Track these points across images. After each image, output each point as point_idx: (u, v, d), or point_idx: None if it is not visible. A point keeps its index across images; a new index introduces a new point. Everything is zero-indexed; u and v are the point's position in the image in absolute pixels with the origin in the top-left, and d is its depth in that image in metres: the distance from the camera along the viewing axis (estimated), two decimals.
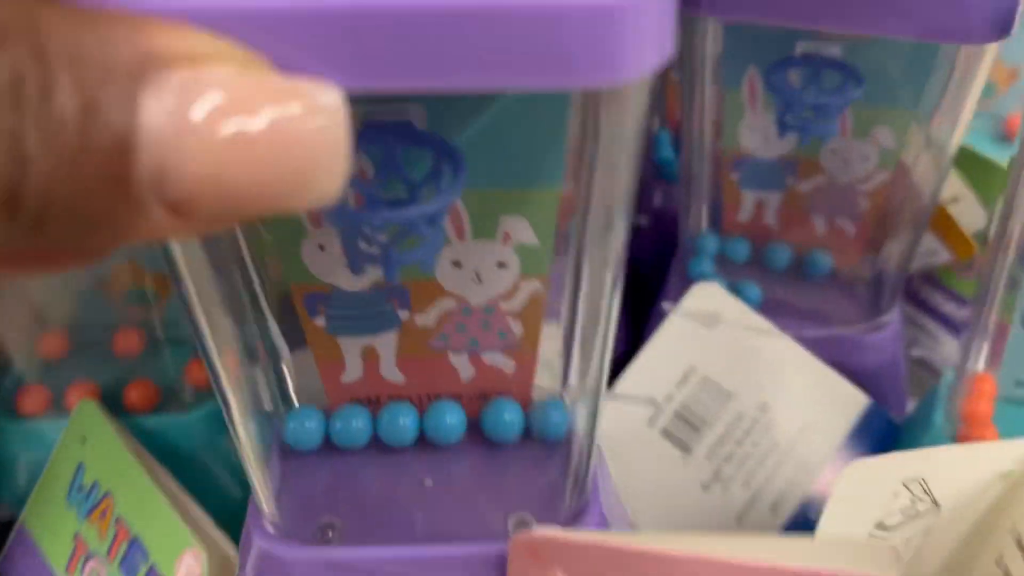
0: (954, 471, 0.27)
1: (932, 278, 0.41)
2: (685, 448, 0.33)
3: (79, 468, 0.31)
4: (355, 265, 0.24)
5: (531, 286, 0.25)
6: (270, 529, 0.24)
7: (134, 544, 0.29)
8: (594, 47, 0.14)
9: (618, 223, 0.20)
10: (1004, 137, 0.44)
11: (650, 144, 0.44)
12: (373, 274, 0.24)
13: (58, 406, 0.33)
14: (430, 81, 0.14)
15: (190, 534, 0.27)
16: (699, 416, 0.34)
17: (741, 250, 0.37)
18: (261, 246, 0.23)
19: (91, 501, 0.30)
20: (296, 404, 0.26)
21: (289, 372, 0.26)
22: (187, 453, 0.31)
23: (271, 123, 0.13)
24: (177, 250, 0.20)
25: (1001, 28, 0.27)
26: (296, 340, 0.25)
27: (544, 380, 0.26)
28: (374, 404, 0.27)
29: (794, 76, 0.32)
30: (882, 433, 0.32)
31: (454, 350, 0.26)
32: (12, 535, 0.31)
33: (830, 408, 0.32)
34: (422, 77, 0.14)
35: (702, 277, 0.36)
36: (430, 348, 0.26)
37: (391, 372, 0.26)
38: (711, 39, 0.33)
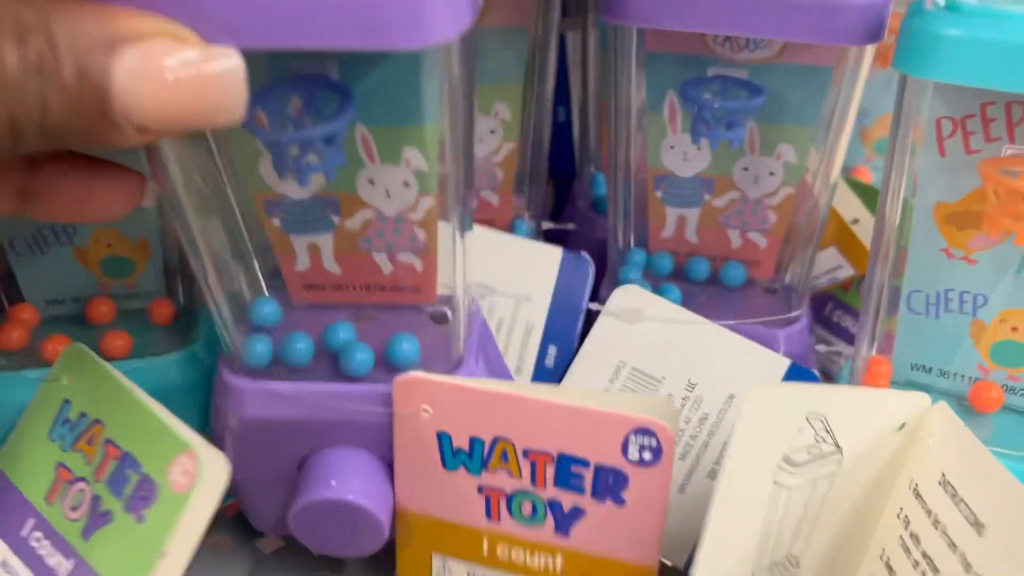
0: (853, 413, 0.30)
1: (837, 300, 0.45)
2: None
3: (64, 404, 0.32)
4: (281, 172, 0.31)
5: (427, 202, 0.33)
6: (233, 369, 0.32)
7: (125, 460, 0.30)
8: (403, 19, 0.23)
9: (458, 151, 0.30)
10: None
11: (588, 184, 0.48)
12: (311, 186, 0.32)
13: (34, 358, 0.35)
14: (295, 42, 0.23)
15: (182, 439, 0.29)
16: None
17: (665, 263, 0.41)
18: (233, 166, 0.30)
19: (77, 431, 0.32)
20: (265, 292, 0.34)
21: (259, 265, 0.34)
22: (162, 396, 0.33)
23: (194, 74, 0.22)
24: (177, 177, 0.28)
25: (874, 33, 0.32)
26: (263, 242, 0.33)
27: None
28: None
29: (706, 92, 0.36)
30: None
31: (376, 250, 0.33)
32: None
33: (754, 375, 0.35)
34: (288, 39, 0.23)
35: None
36: (358, 248, 0.33)
37: (331, 265, 0.34)
38: (635, 63, 0.38)
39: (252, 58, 0.23)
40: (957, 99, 0.32)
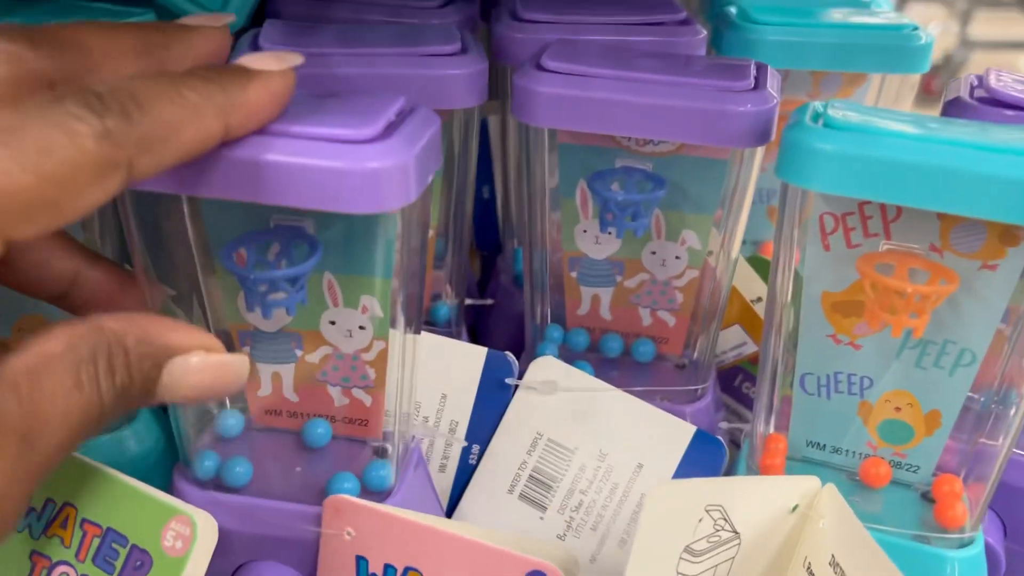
0: (749, 501, 0.32)
1: (747, 372, 0.48)
2: (540, 507, 0.38)
3: None
4: (250, 305, 0.34)
5: (380, 344, 0.35)
6: (184, 475, 0.35)
7: (108, 535, 0.31)
8: (362, 192, 0.28)
9: (414, 311, 0.34)
10: None
11: (510, 259, 0.50)
12: (278, 322, 0.35)
13: None
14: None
15: (170, 505, 0.31)
16: (549, 475, 0.38)
17: (581, 340, 0.43)
18: (211, 300, 0.34)
19: (46, 517, 0.32)
20: (227, 406, 0.37)
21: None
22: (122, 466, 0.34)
23: (215, 373, 0.28)
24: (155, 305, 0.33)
25: (761, 136, 0.34)
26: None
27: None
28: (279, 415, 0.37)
29: (614, 183, 0.39)
30: (712, 457, 0.37)
31: (331, 384, 0.36)
32: None
33: (660, 443, 0.37)
34: (272, 196, 0.28)
35: None
36: (316, 380, 0.36)
37: (290, 393, 0.36)
38: (534, 156, 0.40)
39: (240, 207, 0.29)
40: (838, 198, 0.34)
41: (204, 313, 0.35)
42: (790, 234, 0.34)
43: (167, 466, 0.37)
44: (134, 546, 0.31)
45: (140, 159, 0.23)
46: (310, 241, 0.33)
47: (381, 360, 0.35)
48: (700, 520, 0.31)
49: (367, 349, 0.35)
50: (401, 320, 0.34)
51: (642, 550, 0.29)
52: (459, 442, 0.39)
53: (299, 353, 0.36)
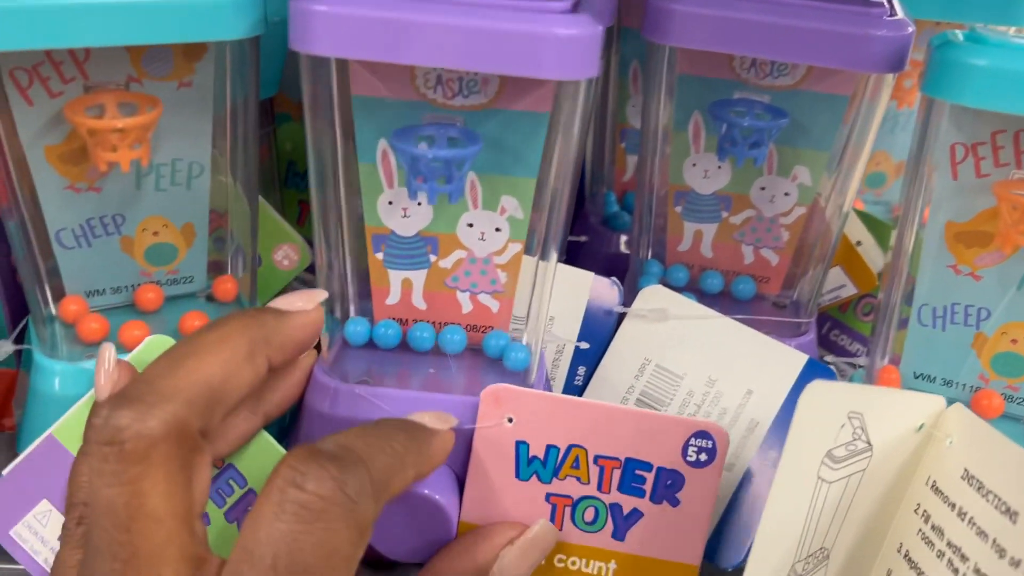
0: (883, 412, 0.32)
1: (835, 320, 0.48)
2: None
3: None
4: (413, 192, 0.34)
5: (515, 248, 0.36)
6: (326, 371, 0.35)
7: (227, 470, 0.32)
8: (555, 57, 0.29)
9: (560, 205, 0.34)
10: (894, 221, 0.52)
11: (600, 203, 0.51)
12: (417, 224, 0.35)
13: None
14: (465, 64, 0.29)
15: None
16: (656, 399, 0.38)
17: (680, 276, 0.43)
18: (354, 198, 0.35)
19: None
20: (352, 314, 0.37)
21: (351, 291, 0.37)
22: None
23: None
24: (317, 218, 0.35)
25: (896, 63, 0.35)
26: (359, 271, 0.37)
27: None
28: (405, 323, 0.37)
29: (734, 112, 0.39)
30: None
31: (460, 290, 0.36)
32: (38, 442, 0.32)
33: (771, 370, 0.37)
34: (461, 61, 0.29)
35: None
36: (445, 286, 0.36)
37: (419, 300, 0.36)
38: (652, 87, 0.40)
39: (396, 106, 0.32)
40: (970, 127, 0.34)
41: (340, 218, 0.35)
42: (927, 161, 0.35)
43: None
44: (251, 489, 0.32)
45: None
46: (466, 135, 0.33)
47: (514, 264, 0.35)
48: (842, 426, 0.31)
49: (500, 252, 0.35)
50: (544, 223, 0.34)
51: (794, 447, 0.29)
52: (571, 343, 0.40)
53: (433, 258, 0.36)
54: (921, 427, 0.33)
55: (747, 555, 0.35)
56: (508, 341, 0.36)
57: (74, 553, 0.29)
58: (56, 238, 0.35)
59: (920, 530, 0.33)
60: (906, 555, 0.33)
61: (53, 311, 0.36)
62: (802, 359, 0.37)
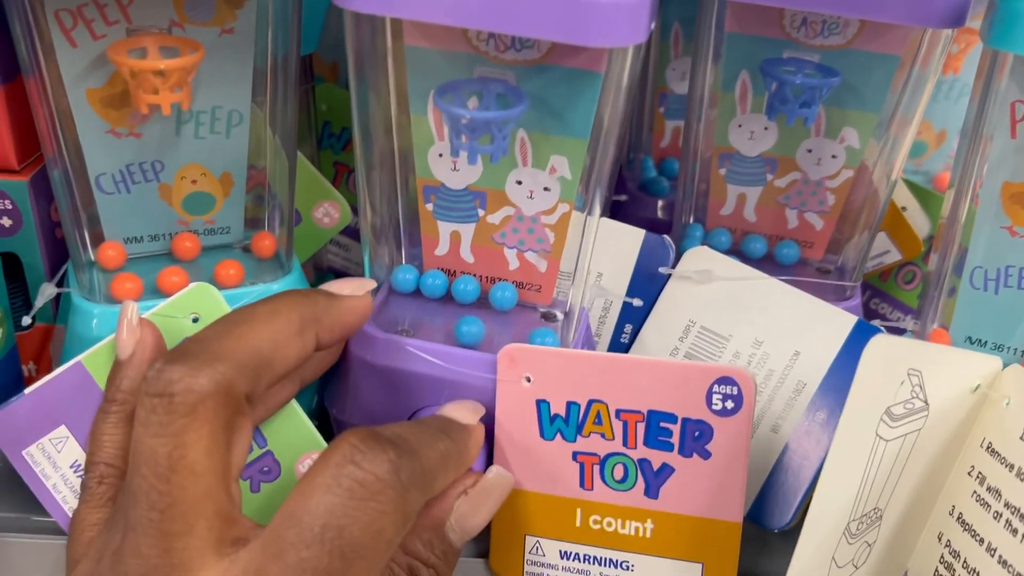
0: (941, 371, 0.31)
1: (876, 289, 0.47)
2: None
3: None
4: (455, 150, 0.33)
5: (563, 208, 0.35)
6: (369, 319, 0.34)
7: (254, 432, 0.32)
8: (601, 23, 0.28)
9: (606, 166, 0.34)
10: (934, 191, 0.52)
11: (638, 169, 0.50)
12: (466, 178, 0.35)
13: (151, 293, 0.35)
14: (511, 28, 0.29)
15: (318, 440, 0.32)
16: (701, 361, 0.38)
17: (722, 240, 0.43)
18: (407, 150, 0.35)
19: None
20: (403, 262, 0.38)
21: (403, 240, 0.37)
22: None
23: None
24: (362, 170, 0.35)
25: (955, 18, 0.34)
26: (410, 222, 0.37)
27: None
28: (452, 275, 0.37)
29: (785, 70, 0.38)
30: None
31: (508, 246, 0.36)
32: (65, 367, 0.32)
33: (819, 332, 0.37)
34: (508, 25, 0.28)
35: None
36: (493, 241, 0.36)
37: (467, 253, 0.36)
38: (701, 45, 0.39)
39: (444, 56, 0.31)
40: None
41: (395, 168, 0.35)
42: (988, 119, 0.34)
43: None
44: (270, 452, 0.32)
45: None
46: (514, 93, 0.33)
47: (562, 224, 0.35)
48: (902, 383, 0.30)
49: (549, 212, 0.35)
50: (591, 184, 0.34)
51: (855, 402, 0.29)
52: (619, 298, 0.39)
53: (481, 213, 0.35)
54: (977, 388, 0.33)
55: (794, 517, 0.35)
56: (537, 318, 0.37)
57: (94, 512, 0.29)
58: (96, 183, 0.35)
59: (975, 492, 0.32)
60: (959, 518, 0.32)
61: (92, 257, 0.36)
62: (851, 320, 0.37)
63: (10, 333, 0.37)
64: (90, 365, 0.32)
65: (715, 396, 0.31)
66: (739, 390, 0.31)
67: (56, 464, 0.32)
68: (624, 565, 0.33)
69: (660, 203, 0.49)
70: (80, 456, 0.32)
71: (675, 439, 0.32)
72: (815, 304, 0.37)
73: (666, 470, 0.32)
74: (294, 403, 0.33)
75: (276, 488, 0.32)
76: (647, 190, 0.50)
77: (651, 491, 0.33)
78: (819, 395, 0.36)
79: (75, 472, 0.31)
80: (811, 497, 0.30)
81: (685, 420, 0.32)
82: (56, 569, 0.34)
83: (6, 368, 0.36)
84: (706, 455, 0.32)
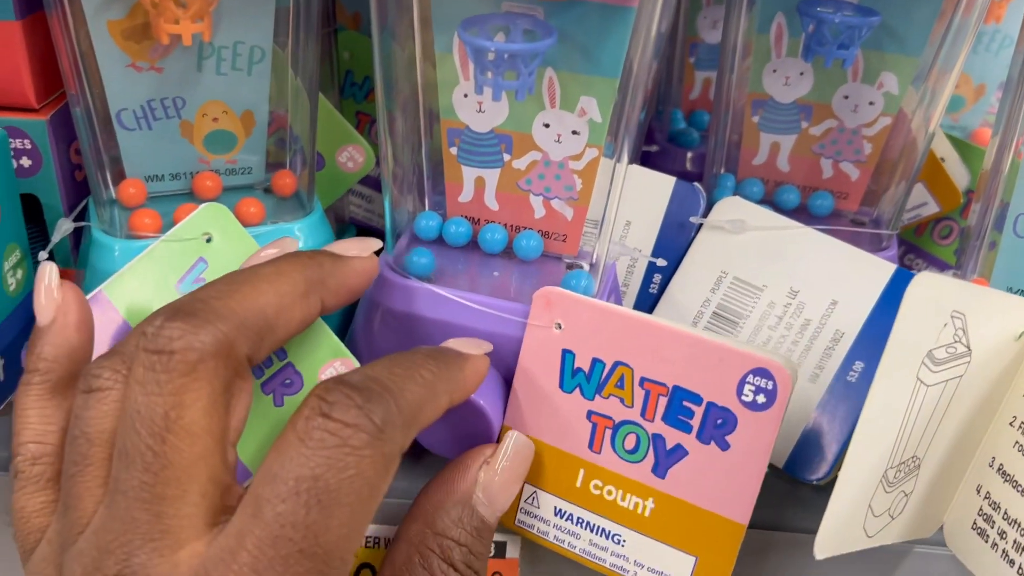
0: (984, 315, 0.30)
1: (910, 244, 0.46)
2: None
3: (199, 262, 0.32)
4: (480, 87, 0.32)
5: (592, 153, 0.34)
6: (391, 266, 0.34)
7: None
8: None
9: (636, 110, 0.32)
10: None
11: (667, 121, 0.49)
12: (491, 120, 0.34)
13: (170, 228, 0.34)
14: None
15: (340, 347, 0.32)
16: (734, 311, 0.37)
17: (755, 191, 0.41)
18: (432, 91, 0.34)
19: None
20: (425, 208, 0.37)
21: (427, 185, 0.36)
22: None
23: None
24: (383, 114, 0.34)
25: None
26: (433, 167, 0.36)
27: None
28: (476, 223, 0.36)
29: (820, 10, 0.37)
30: None
31: (534, 193, 0.34)
32: (87, 297, 0.31)
33: (857, 280, 0.36)
34: None
35: None
36: (519, 187, 0.35)
37: (491, 200, 0.35)
38: None
39: None
40: None
41: (418, 112, 0.34)
42: None
43: None
44: (291, 364, 0.31)
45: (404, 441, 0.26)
46: (543, 28, 0.31)
47: (590, 170, 0.34)
48: (944, 325, 0.29)
49: (577, 157, 0.34)
50: (621, 129, 0.33)
51: (896, 342, 0.28)
52: (645, 258, 0.38)
53: (506, 158, 0.34)
54: (1021, 336, 0.32)
55: (831, 469, 0.34)
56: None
57: (36, 496, 0.27)
58: (117, 119, 0.34)
59: (1017, 443, 0.31)
60: (999, 468, 0.31)
61: (113, 195, 0.35)
62: (890, 268, 0.36)
63: (29, 275, 0.36)
64: (111, 294, 0.32)
65: (747, 387, 0.29)
66: (774, 385, 0.29)
67: None
68: (616, 538, 0.32)
69: (689, 155, 0.48)
70: None
71: (695, 422, 0.30)
72: (852, 253, 0.36)
73: (679, 451, 0.31)
74: None
75: (300, 399, 0.31)
76: (676, 142, 0.48)
77: (659, 469, 0.31)
78: (857, 344, 0.35)
79: None
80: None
81: (710, 404, 0.30)
82: None
83: (27, 309, 0.36)
84: (724, 446, 0.30)
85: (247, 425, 0.31)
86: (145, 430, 0.24)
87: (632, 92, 0.32)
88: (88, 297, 0.31)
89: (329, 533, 0.23)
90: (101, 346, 0.31)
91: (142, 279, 0.32)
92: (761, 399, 0.29)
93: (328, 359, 0.32)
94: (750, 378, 0.29)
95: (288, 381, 0.31)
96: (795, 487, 0.36)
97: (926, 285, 0.28)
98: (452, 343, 0.31)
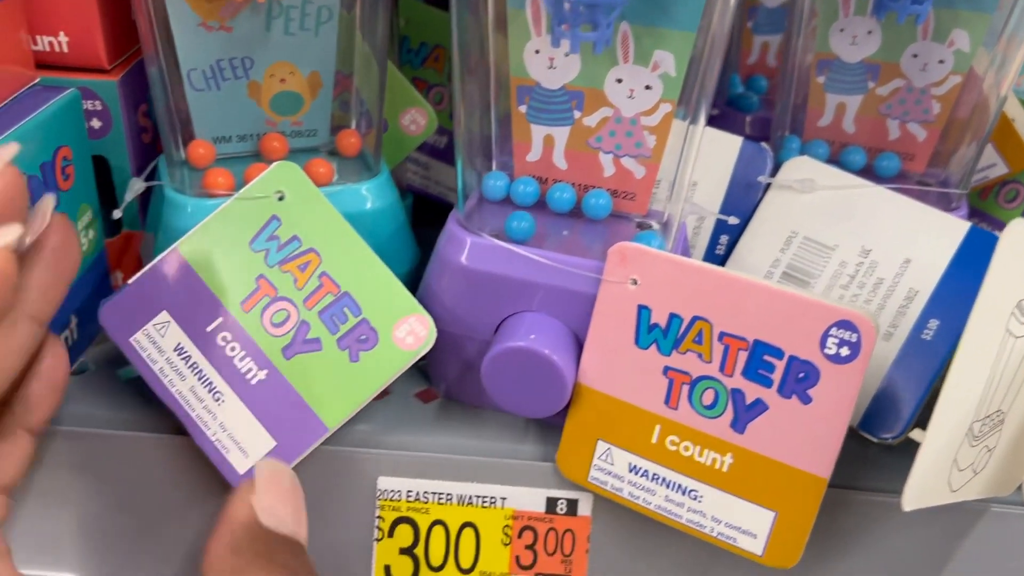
0: None
1: (979, 211, 0.45)
2: None
3: (272, 220, 0.32)
4: (555, 41, 0.32)
5: (665, 108, 0.33)
6: (462, 224, 0.34)
7: (343, 298, 0.32)
8: None
9: (714, 64, 0.32)
10: None
11: (725, 85, 0.48)
12: (563, 76, 0.33)
13: (240, 187, 0.34)
14: None
15: (413, 302, 0.32)
16: (804, 271, 0.37)
17: (820, 152, 0.41)
18: (502, 48, 0.33)
19: (287, 252, 0.32)
20: (493, 168, 0.36)
21: (494, 146, 0.36)
22: (353, 220, 0.33)
23: None
24: (457, 72, 0.34)
25: None
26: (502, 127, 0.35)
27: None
28: (544, 182, 0.35)
29: None
30: (989, 251, 0.35)
31: (604, 151, 0.34)
32: (163, 255, 0.32)
33: (930, 239, 0.35)
34: None
35: None
36: (588, 145, 0.34)
37: (559, 159, 0.35)
38: None
39: None
40: None
41: (488, 70, 0.34)
42: None
43: (394, 226, 0.37)
44: (366, 320, 0.32)
45: None
46: None
47: (663, 126, 0.33)
48: None
49: (650, 112, 0.33)
50: (697, 87, 0.32)
51: (989, 291, 0.28)
52: (717, 216, 0.38)
53: (577, 115, 0.34)
54: None
55: (906, 427, 0.34)
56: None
57: None
58: (187, 79, 0.34)
59: None
60: None
61: (183, 155, 0.35)
62: (964, 226, 0.35)
63: (100, 235, 0.36)
64: (186, 252, 0.32)
65: (830, 339, 0.29)
66: (859, 337, 0.29)
67: (161, 348, 0.32)
68: (693, 494, 0.32)
69: (748, 119, 0.47)
70: (182, 339, 0.32)
71: (776, 376, 0.30)
72: (925, 211, 0.36)
73: (759, 406, 0.30)
74: (387, 268, 0.32)
75: (375, 356, 0.31)
76: (735, 106, 0.48)
77: (738, 424, 0.31)
78: (932, 302, 0.35)
79: (178, 355, 0.32)
80: (923, 408, 0.29)
81: (792, 358, 0.30)
82: (175, 464, 0.34)
83: (97, 269, 0.36)
84: (806, 400, 0.30)
85: (324, 380, 0.31)
86: None
87: (710, 47, 0.32)
88: (164, 254, 0.32)
89: None
90: (178, 299, 0.31)
91: (215, 237, 0.32)
92: (845, 352, 0.29)
93: (403, 315, 0.32)
94: (833, 331, 0.29)
95: (363, 337, 0.32)
96: (863, 446, 0.35)
97: (1019, 234, 0.27)
98: None
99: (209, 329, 0.32)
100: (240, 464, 0.31)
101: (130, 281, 0.32)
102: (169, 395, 0.32)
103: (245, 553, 0.27)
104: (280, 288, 0.32)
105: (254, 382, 0.31)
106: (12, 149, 0.25)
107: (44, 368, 0.28)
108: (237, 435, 0.31)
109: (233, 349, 0.32)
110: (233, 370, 0.32)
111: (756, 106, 0.48)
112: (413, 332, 0.32)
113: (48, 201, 0.27)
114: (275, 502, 0.29)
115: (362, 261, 0.32)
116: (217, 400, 0.32)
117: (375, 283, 0.32)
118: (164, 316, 0.32)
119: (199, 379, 0.32)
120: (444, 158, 0.48)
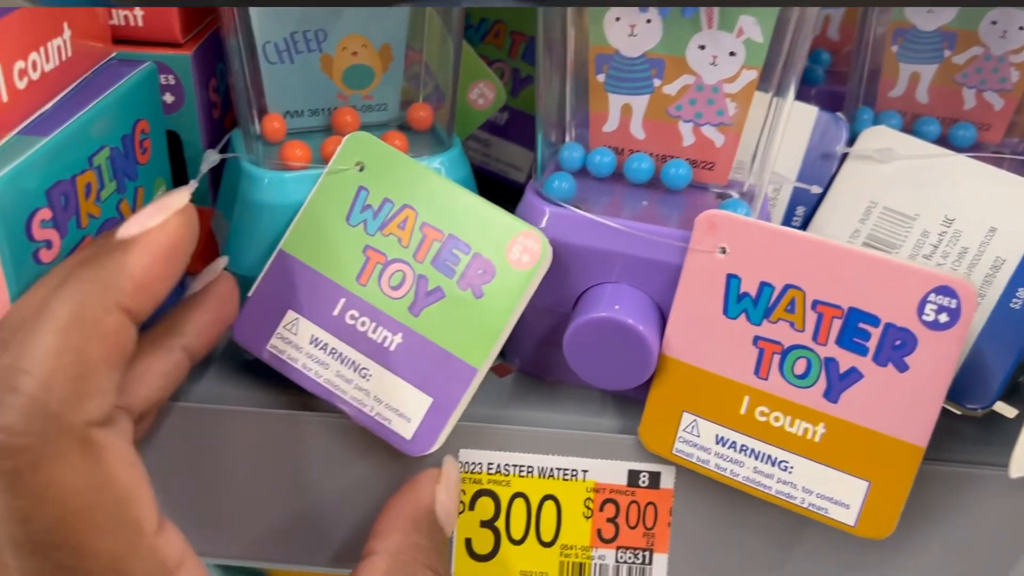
0: None
1: None
2: None
3: (360, 191, 0.32)
4: (643, 8, 0.32)
5: (749, 75, 0.33)
6: (539, 194, 0.34)
7: (450, 241, 0.32)
8: None
9: (804, 32, 0.31)
10: None
11: None
12: (643, 44, 0.33)
13: (317, 162, 0.35)
14: None
15: (516, 222, 0.32)
16: (885, 242, 0.36)
17: (894, 123, 0.40)
18: (581, 16, 0.33)
19: (383, 217, 0.32)
20: (568, 140, 0.36)
21: (570, 117, 0.35)
22: None
23: None
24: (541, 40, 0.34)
25: None
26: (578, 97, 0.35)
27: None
28: (620, 153, 0.35)
29: None
30: None
31: (684, 119, 0.34)
32: (271, 261, 0.33)
33: (1016, 207, 0.35)
34: None
35: None
36: (667, 114, 0.34)
37: (637, 129, 0.34)
38: None
39: None
40: None
41: (564, 36, 0.33)
42: None
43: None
44: (477, 254, 0.31)
45: None
46: None
47: (746, 94, 0.33)
48: None
49: (732, 79, 0.33)
50: (782, 49, 0.32)
51: None
52: (791, 183, 0.37)
53: (656, 83, 0.33)
54: None
55: (996, 397, 0.33)
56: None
57: None
58: (262, 51, 0.34)
59: None
60: None
61: (258, 129, 0.35)
62: None
63: None
64: (290, 248, 0.33)
65: (929, 305, 0.29)
66: (958, 303, 0.28)
67: (297, 346, 0.32)
68: (783, 465, 0.31)
69: (813, 92, 0.47)
70: (314, 331, 0.32)
71: (872, 344, 0.29)
72: (1010, 179, 0.35)
73: (853, 375, 0.30)
74: (479, 197, 0.32)
75: (498, 284, 0.31)
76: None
77: (831, 394, 0.30)
78: (1020, 272, 0.34)
79: (315, 346, 0.32)
80: (1012, 378, 0.28)
81: (888, 326, 0.29)
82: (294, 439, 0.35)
83: None
84: (903, 367, 0.29)
85: (457, 324, 0.31)
86: None
87: (800, 13, 0.31)
88: (271, 260, 0.33)
89: None
90: (298, 294, 0.32)
91: (313, 226, 0.33)
92: (944, 318, 0.28)
93: (511, 237, 0.31)
94: (932, 297, 0.28)
95: (481, 271, 0.31)
96: (947, 419, 0.35)
97: None
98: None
99: (335, 313, 0.32)
100: (405, 430, 0.32)
101: (249, 294, 0.33)
102: (319, 387, 0.32)
103: (422, 531, 0.31)
104: (388, 252, 0.32)
105: (393, 348, 0.31)
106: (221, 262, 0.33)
107: (213, 298, 0.31)
108: (394, 403, 0.32)
109: (364, 324, 0.32)
110: (370, 343, 0.32)
111: (821, 79, 0.47)
112: (527, 250, 0.31)
113: (221, 261, 0.33)
114: (448, 500, 0.32)
115: (454, 199, 0.32)
116: (365, 377, 0.32)
117: (474, 215, 0.32)
118: (291, 315, 0.33)
119: (341, 363, 0.32)
120: (505, 135, 0.47)
